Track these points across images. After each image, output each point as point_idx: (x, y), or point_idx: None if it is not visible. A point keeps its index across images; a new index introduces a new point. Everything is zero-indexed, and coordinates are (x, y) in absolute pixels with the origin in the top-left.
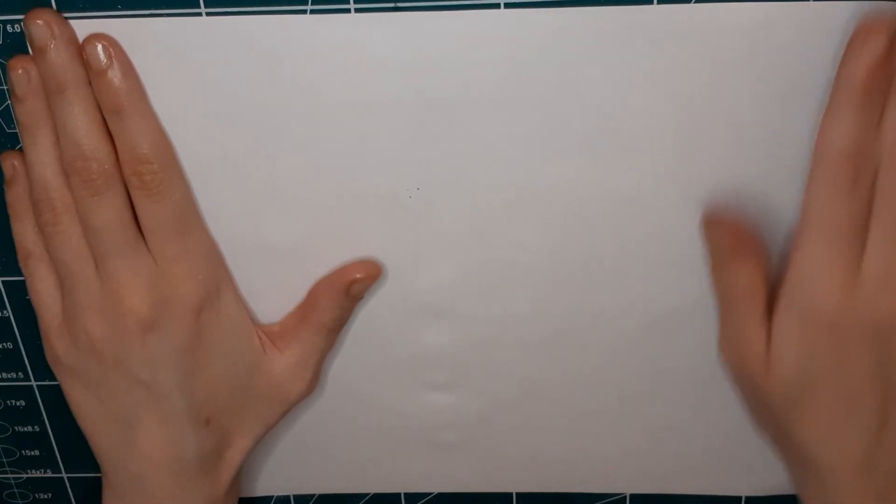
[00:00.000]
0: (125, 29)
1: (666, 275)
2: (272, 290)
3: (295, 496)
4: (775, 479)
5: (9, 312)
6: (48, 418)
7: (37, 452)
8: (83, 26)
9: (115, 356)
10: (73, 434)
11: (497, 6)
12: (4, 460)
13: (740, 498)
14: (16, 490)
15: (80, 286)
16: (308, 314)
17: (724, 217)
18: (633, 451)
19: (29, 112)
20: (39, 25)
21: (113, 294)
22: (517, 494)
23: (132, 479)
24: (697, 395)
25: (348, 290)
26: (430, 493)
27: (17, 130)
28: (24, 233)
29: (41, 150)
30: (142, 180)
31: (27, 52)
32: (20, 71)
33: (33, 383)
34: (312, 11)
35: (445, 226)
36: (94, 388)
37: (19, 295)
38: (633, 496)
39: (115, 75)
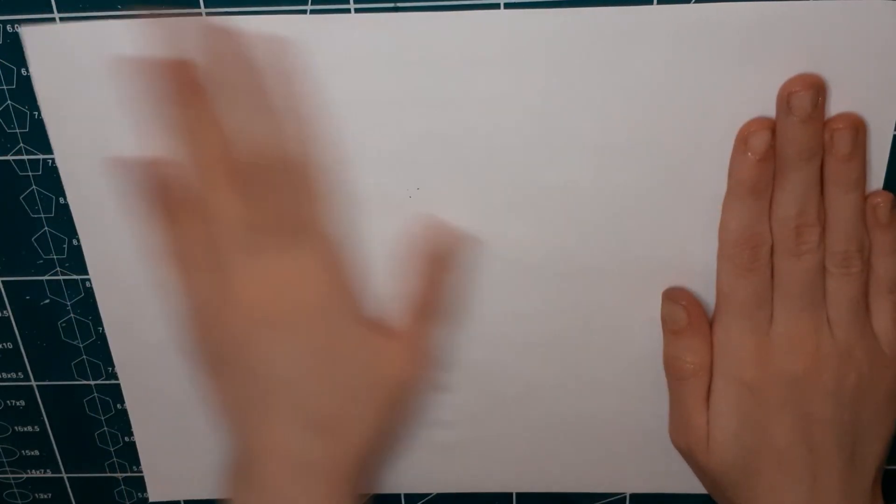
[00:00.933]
0: (125, 29)
1: (666, 274)
2: None
3: None
4: None
5: (9, 312)
6: (48, 418)
7: (37, 452)
8: (83, 26)
9: (245, 347)
10: (73, 434)
11: (497, 6)
12: (4, 460)
13: None
14: (16, 490)
15: (235, 274)
16: (415, 302)
17: (682, 291)
18: (633, 451)
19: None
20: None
21: (250, 287)
22: (517, 494)
23: (256, 473)
24: None
25: (443, 266)
26: (430, 493)
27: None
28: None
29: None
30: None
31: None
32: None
33: (33, 383)
34: (312, 11)
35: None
36: (228, 377)
37: (19, 295)
38: (633, 496)
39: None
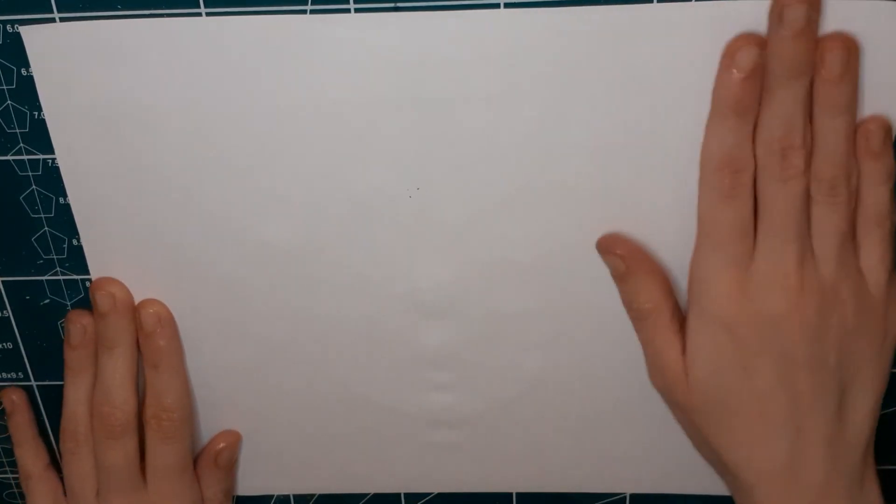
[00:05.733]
0: (125, 29)
1: (666, 274)
2: (272, 289)
3: (295, 496)
4: None
5: (9, 312)
6: (48, 418)
7: None
8: (84, 26)
9: None
10: None
11: (497, 6)
12: (4, 460)
13: None
14: (16, 490)
15: None
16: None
17: (615, 239)
18: (633, 451)
19: (77, 358)
20: (104, 295)
21: None
22: (517, 494)
23: None
24: None
25: (217, 460)
26: (430, 493)
27: (64, 370)
28: (25, 457)
29: (78, 389)
30: (160, 424)
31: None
32: (79, 325)
33: (33, 383)
34: (312, 11)
35: (445, 226)
36: None
37: (19, 295)
38: (633, 496)
39: (161, 337)
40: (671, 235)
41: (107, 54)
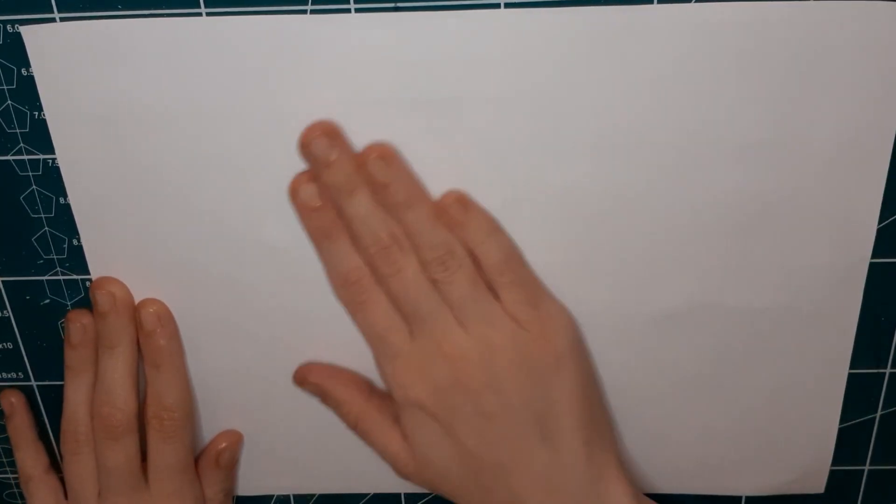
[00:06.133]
0: (125, 29)
1: (666, 274)
2: (272, 289)
3: (295, 496)
4: (775, 479)
5: (9, 312)
6: (48, 418)
7: None
8: (84, 26)
9: None
10: None
11: (497, 6)
12: (4, 460)
13: (740, 498)
14: (16, 490)
15: None
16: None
17: (307, 370)
18: (634, 451)
19: (78, 358)
20: (104, 294)
21: None
22: None
23: None
24: (697, 396)
25: (217, 461)
26: (430, 493)
27: (65, 370)
28: (24, 459)
29: (78, 390)
30: (161, 424)
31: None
32: (79, 325)
33: (33, 383)
34: (312, 11)
35: None
36: None
37: (19, 295)
38: None
39: (161, 336)
40: (671, 235)
41: (107, 54)
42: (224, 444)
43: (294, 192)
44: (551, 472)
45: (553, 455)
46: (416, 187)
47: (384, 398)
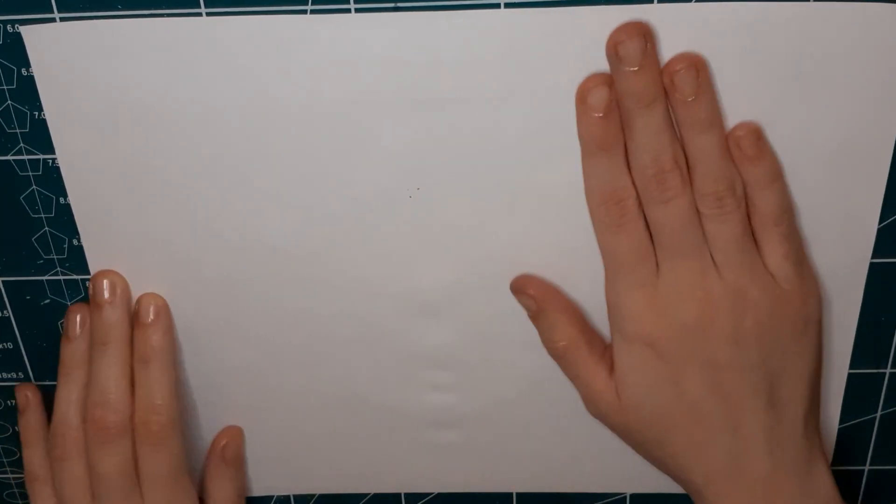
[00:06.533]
0: (125, 29)
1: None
2: (272, 289)
3: (295, 496)
4: None
5: (9, 312)
6: (48, 418)
7: None
8: (85, 25)
9: None
10: None
11: (497, 6)
12: (4, 460)
13: None
14: (16, 490)
15: None
16: (209, 488)
17: (527, 280)
18: (634, 451)
19: (72, 352)
20: (102, 284)
21: None
22: (517, 494)
23: None
24: None
25: (223, 455)
26: (430, 493)
27: (58, 368)
28: (32, 458)
29: (70, 389)
30: (148, 430)
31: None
32: (77, 316)
33: (33, 383)
34: (312, 11)
35: (445, 226)
36: None
37: (19, 295)
38: (633, 496)
39: (155, 332)
40: None
41: (107, 54)
42: (225, 441)
43: (582, 94)
44: (770, 437)
45: (775, 420)
46: (717, 109)
47: (594, 332)
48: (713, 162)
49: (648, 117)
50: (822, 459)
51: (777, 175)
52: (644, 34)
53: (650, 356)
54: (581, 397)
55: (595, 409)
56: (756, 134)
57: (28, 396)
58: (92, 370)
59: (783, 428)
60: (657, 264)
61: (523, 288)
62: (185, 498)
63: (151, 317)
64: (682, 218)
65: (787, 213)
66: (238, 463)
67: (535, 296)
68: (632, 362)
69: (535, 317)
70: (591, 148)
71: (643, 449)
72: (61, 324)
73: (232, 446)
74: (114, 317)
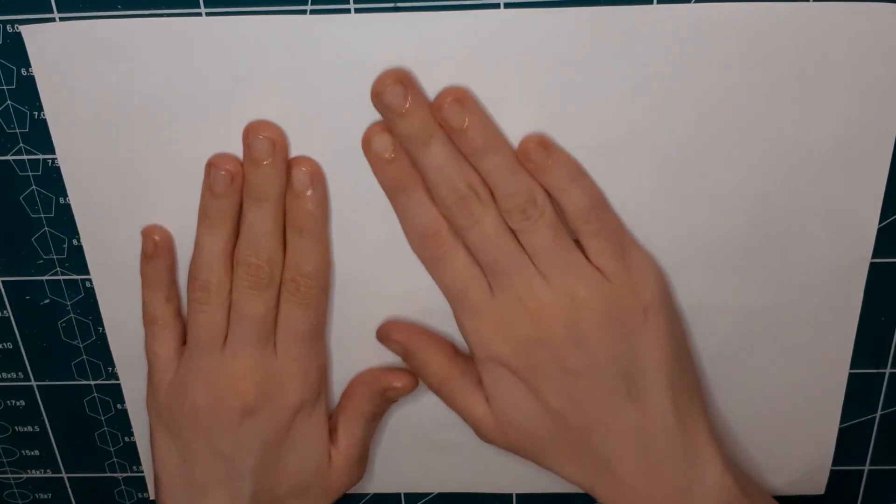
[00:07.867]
0: (125, 29)
1: (666, 274)
2: None
3: None
4: (775, 480)
5: (9, 312)
6: (48, 418)
7: (37, 452)
8: (85, 25)
9: (210, 428)
10: (74, 434)
11: (497, 6)
12: (4, 460)
13: None
14: (16, 490)
15: (204, 358)
16: (346, 404)
17: (391, 327)
18: None
19: (218, 208)
20: (262, 140)
21: (229, 374)
22: (517, 494)
23: None
24: None
25: (384, 393)
26: (430, 493)
27: (199, 216)
28: (155, 301)
29: (217, 241)
30: (297, 288)
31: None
32: (223, 172)
33: (33, 383)
34: (312, 11)
35: None
36: (181, 448)
37: (19, 295)
38: None
39: (311, 200)
40: (670, 235)
41: (107, 54)
42: (398, 385)
43: (367, 144)
44: (640, 433)
45: (641, 414)
46: (494, 131)
47: (467, 361)
48: (506, 180)
49: (431, 153)
50: (709, 446)
51: (575, 175)
52: (402, 80)
53: (507, 375)
54: (470, 427)
55: (482, 435)
56: (542, 143)
57: (156, 241)
58: (245, 223)
59: (652, 420)
60: (490, 287)
61: (388, 335)
62: (318, 357)
63: (307, 185)
64: (493, 237)
65: (596, 209)
66: (379, 415)
67: (399, 340)
68: (495, 385)
69: (405, 359)
70: (391, 191)
71: (538, 464)
72: (61, 324)
73: (395, 393)
74: (273, 174)
